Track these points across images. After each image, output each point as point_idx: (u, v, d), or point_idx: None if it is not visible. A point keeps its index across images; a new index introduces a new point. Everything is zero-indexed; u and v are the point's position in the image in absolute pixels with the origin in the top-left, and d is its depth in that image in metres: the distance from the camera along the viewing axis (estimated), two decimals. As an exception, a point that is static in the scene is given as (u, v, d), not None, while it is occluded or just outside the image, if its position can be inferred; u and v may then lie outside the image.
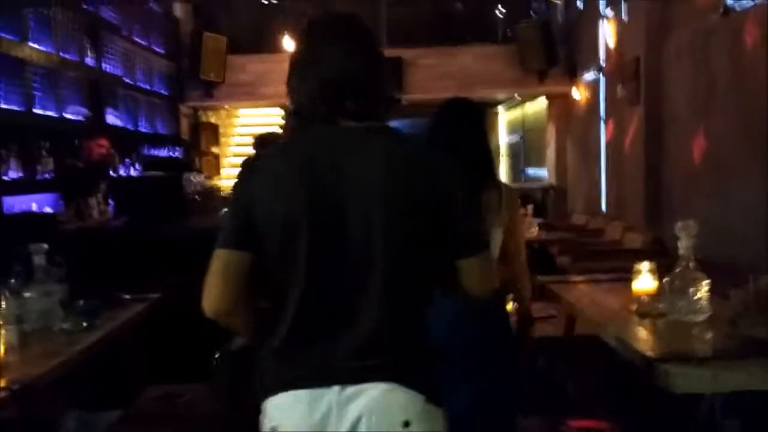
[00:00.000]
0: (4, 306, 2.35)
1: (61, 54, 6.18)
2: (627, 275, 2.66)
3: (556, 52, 9.70)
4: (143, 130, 8.48)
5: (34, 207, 5.59)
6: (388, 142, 1.46)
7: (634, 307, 2.44)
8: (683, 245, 2.29)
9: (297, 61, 1.52)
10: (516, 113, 14.00)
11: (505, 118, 15.27)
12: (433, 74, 9.77)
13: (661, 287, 2.43)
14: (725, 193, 5.50)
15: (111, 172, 5.80)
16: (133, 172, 7.38)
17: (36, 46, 5.77)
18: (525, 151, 13.41)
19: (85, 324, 2.54)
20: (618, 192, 7.98)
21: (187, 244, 4.41)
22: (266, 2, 11.07)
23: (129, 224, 4.72)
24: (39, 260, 2.52)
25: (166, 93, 9.42)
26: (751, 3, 5.07)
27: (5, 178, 5.16)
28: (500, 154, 15.00)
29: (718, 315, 2.26)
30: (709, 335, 2.18)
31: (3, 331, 2.15)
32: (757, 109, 4.96)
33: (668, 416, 2.67)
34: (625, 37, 7.63)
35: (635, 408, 3.05)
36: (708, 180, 5.81)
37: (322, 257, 1.40)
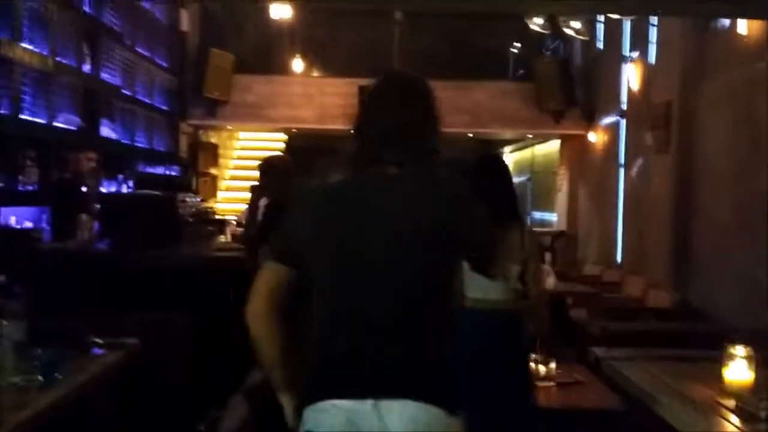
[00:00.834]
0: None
1: (56, 58, 5.75)
2: (689, 353, 2.47)
3: (575, 92, 9.34)
4: (140, 145, 8.01)
5: (13, 221, 5.11)
6: (423, 183, 1.65)
7: (730, 402, 1.96)
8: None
9: (362, 112, 1.71)
10: (524, 154, 13.63)
11: (511, 158, 14.89)
12: (446, 108, 9.31)
13: (761, 381, 1.95)
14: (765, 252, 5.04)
15: (84, 189, 5.29)
16: (125, 189, 6.91)
17: (29, 46, 5.33)
18: (532, 194, 13.00)
19: (41, 378, 2.04)
20: (637, 244, 7.52)
21: (175, 276, 3.94)
22: (276, 22, 10.69)
23: (113, 248, 4.21)
24: (-8, 292, 2.04)
25: (166, 108, 8.98)
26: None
27: (-19, 187, 4.69)
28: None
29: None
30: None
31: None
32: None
33: None
34: (652, 81, 7.25)
35: None
36: (747, 238, 5.36)
37: (352, 281, 1.59)
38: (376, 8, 8.92)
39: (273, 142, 12.21)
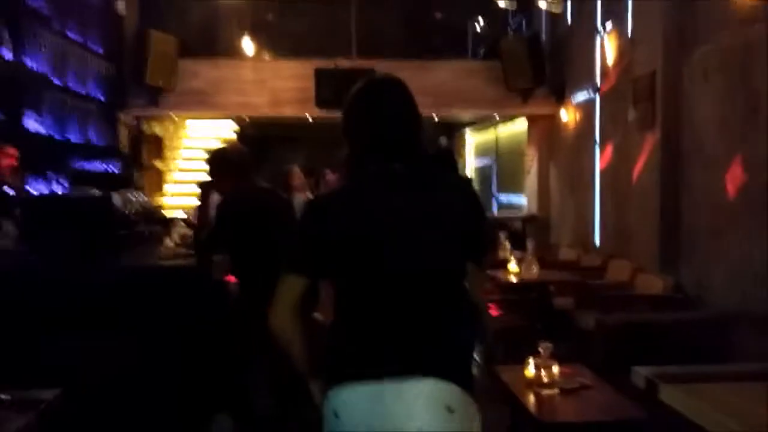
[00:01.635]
0: None
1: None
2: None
3: (544, 70, 8.86)
4: (73, 139, 7.23)
5: None
6: (428, 177, 1.78)
7: None
8: None
9: (352, 116, 1.80)
10: (487, 135, 13.16)
11: (473, 140, 14.43)
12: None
13: None
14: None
15: (8, 190, 4.57)
16: (59, 189, 6.17)
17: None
18: (498, 177, 12.55)
19: None
20: (618, 226, 7.10)
21: (113, 292, 3.30)
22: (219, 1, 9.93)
23: (34, 261, 3.52)
24: None
25: (103, 98, 8.17)
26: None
27: None
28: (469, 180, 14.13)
29: None
30: None
31: None
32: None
33: None
34: (631, 52, 6.79)
35: None
36: (746, 218, 4.94)
37: (375, 272, 1.68)
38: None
39: (224, 131, 11.50)
